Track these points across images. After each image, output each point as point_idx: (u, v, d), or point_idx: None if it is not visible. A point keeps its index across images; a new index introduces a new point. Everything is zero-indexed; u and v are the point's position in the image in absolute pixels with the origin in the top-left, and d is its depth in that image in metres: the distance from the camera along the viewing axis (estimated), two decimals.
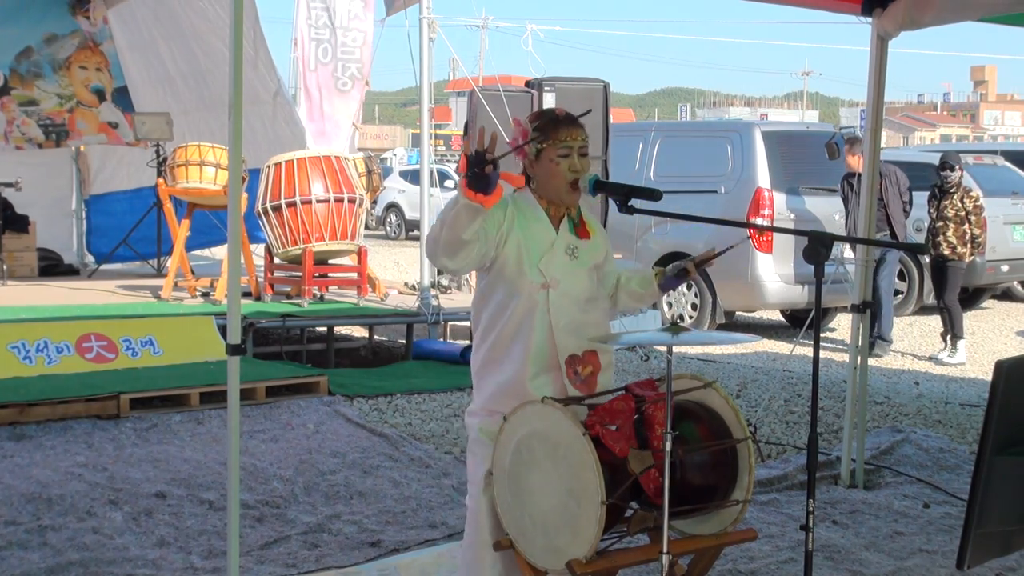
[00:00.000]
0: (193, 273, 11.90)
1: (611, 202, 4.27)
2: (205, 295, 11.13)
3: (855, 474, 7.06)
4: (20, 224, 13.11)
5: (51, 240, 13.90)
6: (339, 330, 11.43)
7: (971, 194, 12.38)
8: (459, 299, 11.56)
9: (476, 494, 4.15)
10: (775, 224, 12.66)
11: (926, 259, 13.65)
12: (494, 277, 4.11)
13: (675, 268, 4.31)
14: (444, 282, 12.23)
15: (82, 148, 14.35)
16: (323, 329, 10.99)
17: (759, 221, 12.71)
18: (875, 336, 11.98)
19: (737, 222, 12.49)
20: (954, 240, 12.10)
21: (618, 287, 4.38)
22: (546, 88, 11.77)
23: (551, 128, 4.05)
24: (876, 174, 7.16)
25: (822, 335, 13.12)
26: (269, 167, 10.84)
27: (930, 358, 12.18)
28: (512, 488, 3.95)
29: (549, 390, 4.05)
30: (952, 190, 12.22)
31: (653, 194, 4.10)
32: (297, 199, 10.60)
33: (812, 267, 3.99)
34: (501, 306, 4.11)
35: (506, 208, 4.07)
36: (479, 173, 3.59)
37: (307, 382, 8.91)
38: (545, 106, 11.51)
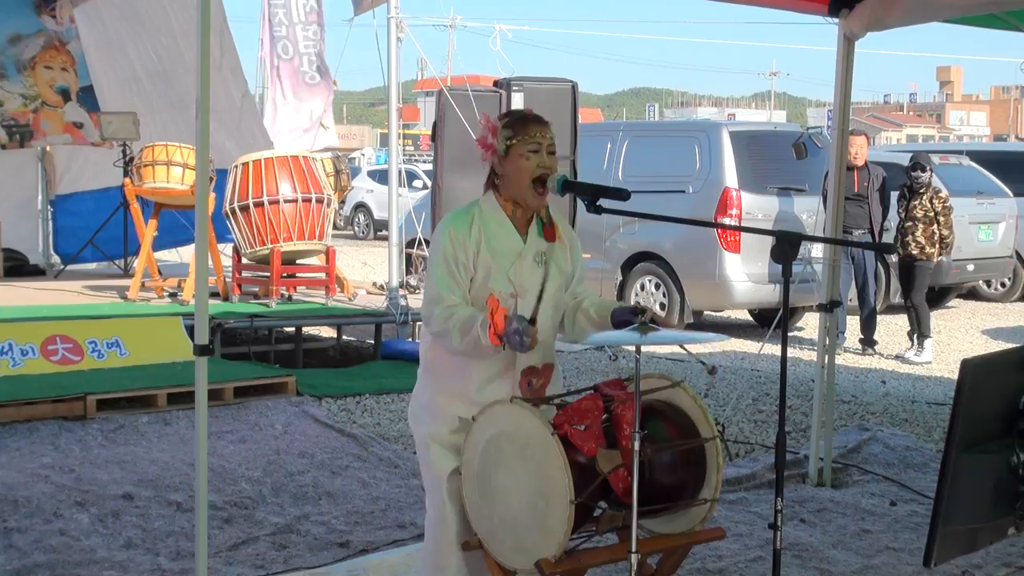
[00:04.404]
0: (160, 273, 11.84)
1: (579, 202, 4.27)
2: (172, 295, 11.08)
3: (823, 472, 7.09)
4: None
5: (17, 240, 13.80)
6: (307, 330, 11.40)
7: (940, 195, 12.44)
8: None
9: (439, 497, 4.14)
10: (743, 224, 12.70)
11: (893, 259, 13.72)
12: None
13: (631, 308, 4.10)
14: (412, 282, 12.22)
15: (48, 148, 14.25)
16: (291, 329, 10.95)
17: (727, 221, 12.75)
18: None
19: (705, 222, 12.53)
20: (922, 240, 12.16)
21: (577, 310, 4.26)
22: (514, 88, 11.77)
23: (521, 125, 4.07)
24: (843, 173, 7.19)
25: (790, 334, 13.21)
26: (237, 167, 10.80)
27: (897, 357, 12.24)
28: (481, 488, 3.95)
29: (497, 397, 4.07)
30: (922, 191, 12.28)
31: (621, 194, 4.10)
32: (265, 199, 10.57)
33: (780, 266, 4.00)
34: None
35: (471, 224, 4.08)
36: (517, 342, 3.82)
37: (275, 383, 8.88)
38: (513, 106, 11.52)
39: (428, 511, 4.24)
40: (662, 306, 13.27)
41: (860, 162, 12.27)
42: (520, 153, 4.05)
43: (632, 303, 4.45)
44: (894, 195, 12.82)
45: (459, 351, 4.00)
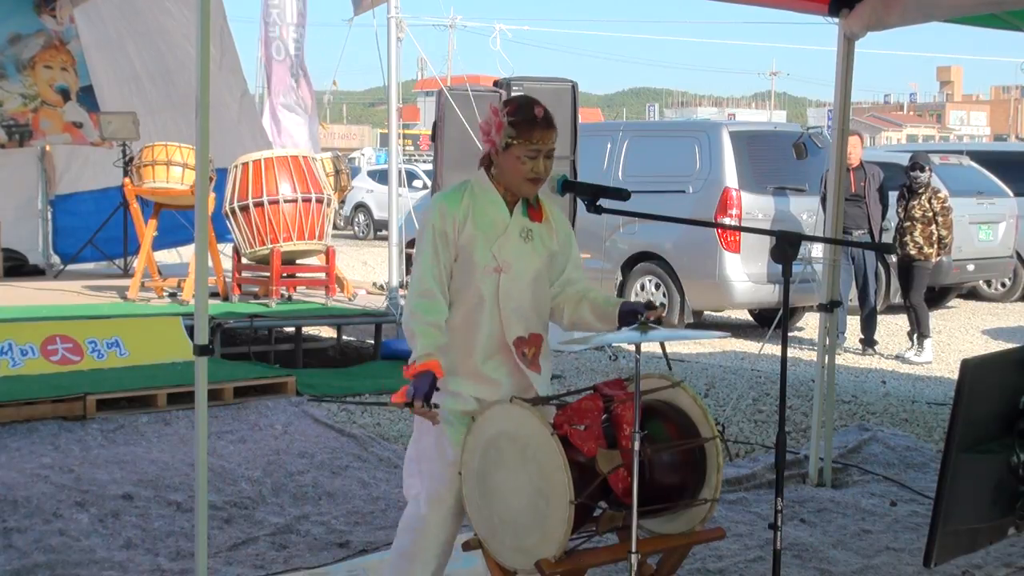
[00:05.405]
0: (160, 273, 11.83)
1: (579, 202, 4.26)
2: (172, 295, 11.07)
3: (823, 473, 7.09)
4: None
5: (16, 240, 13.78)
6: (307, 330, 11.39)
7: (939, 195, 12.44)
8: None
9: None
10: (743, 224, 12.71)
11: (893, 259, 13.72)
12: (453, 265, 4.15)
13: (636, 307, 4.08)
14: None
15: (47, 148, 14.25)
16: (291, 329, 10.95)
17: (727, 221, 12.75)
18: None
19: (705, 222, 12.53)
20: (921, 240, 12.16)
21: (582, 300, 4.26)
22: (514, 88, 11.76)
23: (527, 128, 4.03)
24: (843, 173, 7.19)
25: (790, 334, 13.21)
26: (236, 167, 10.80)
27: (897, 357, 12.24)
28: (481, 488, 3.95)
29: (502, 371, 4.10)
30: (921, 191, 12.28)
31: (621, 194, 4.10)
32: (265, 199, 10.57)
33: (780, 266, 4.00)
34: (457, 291, 4.14)
35: (461, 199, 4.11)
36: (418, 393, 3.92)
37: (275, 383, 8.88)
38: None
39: (418, 504, 4.29)
40: (662, 306, 13.26)
41: (855, 162, 12.26)
42: (518, 155, 4.04)
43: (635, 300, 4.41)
44: (891, 195, 12.82)
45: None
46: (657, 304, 4.13)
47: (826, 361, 7.07)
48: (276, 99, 14.83)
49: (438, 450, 4.16)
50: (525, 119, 4.05)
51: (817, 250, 11.90)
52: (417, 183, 29.07)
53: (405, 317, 4.12)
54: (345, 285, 11.83)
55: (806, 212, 13.13)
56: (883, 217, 12.61)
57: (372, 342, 11.22)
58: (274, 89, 14.89)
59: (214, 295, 10.81)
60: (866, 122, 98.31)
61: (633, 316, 4.02)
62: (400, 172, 12.12)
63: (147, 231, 11.22)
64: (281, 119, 14.75)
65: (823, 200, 12.12)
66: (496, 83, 12.35)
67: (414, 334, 4.03)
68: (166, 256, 14.38)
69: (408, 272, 12.25)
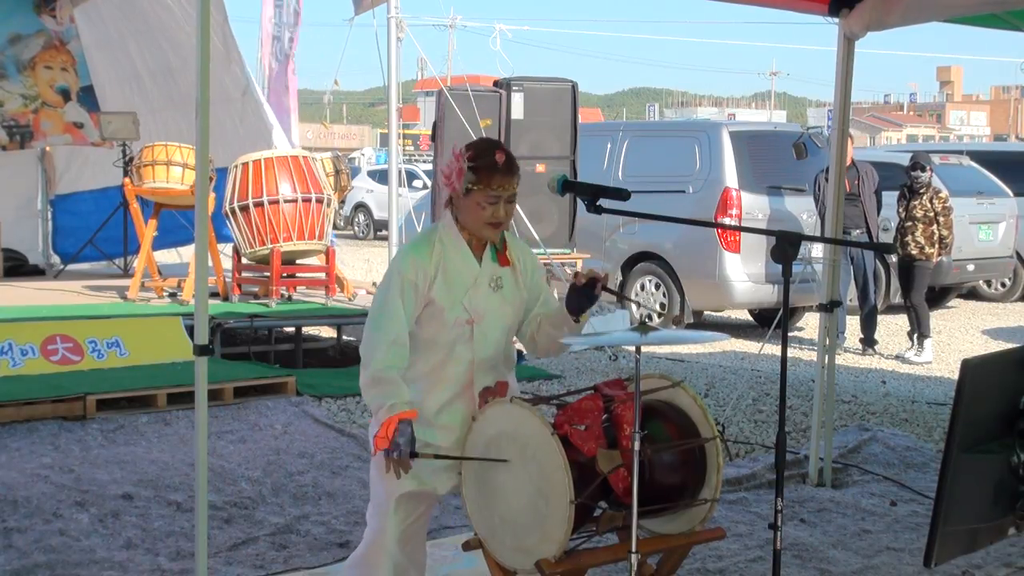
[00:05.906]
0: (160, 273, 11.83)
1: (579, 202, 4.26)
2: (172, 295, 11.06)
3: (823, 473, 7.09)
4: None
5: (16, 240, 13.79)
6: (307, 330, 11.38)
7: (940, 195, 12.44)
8: None
9: (385, 512, 4.16)
10: (743, 224, 12.71)
11: (893, 258, 13.72)
12: (421, 316, 4.11)
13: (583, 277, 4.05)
14: None
15: (47, 148, 14.25)
16: (291, 329, 10.94)
17: (727, 221, 12.76)
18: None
19: (705, 222, 12.53)
20: (922, 240, 12.17)
21: (539, 328, 4.23)
22: (514, 88, 11.78)
23: (487, 175, 3.99)
24: (843, 174, 7.19)
25: (790, 334, 13.21)
26: (236, 167, 10.79)
27: (897, 357, 12.24)
28: (481, 488, 3.96)
29: (457, 418, 4.09)
30: (922, 191, 12.28)
31: (621, 194, 4.10)
32: (265, 199, 10.55)
33: (780, 266, 4.00)
34: (426, 342, 4.11)
35: (431, 250, 4.07)
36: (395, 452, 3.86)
37: (275, 382, 8.87)
38: (514, 106, 11.50)
39: (370, 523, 4.27)
40: (662, 306, 13.28)
41: (846, 162, 12.24)
42: (478, 201, 4.00)
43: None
44: (887, 194, 12.81)
45: (363, 392, 4.04)
46: (598, 275, 4.06)
47: (826, 361, 7.07)
48: (275, 99, 14.84)
49: (382, 489, 4.20)
50: (485, 165, 3.99)
51: (817, 250, 11.90)
52: (417, 183, 29.09)
53: (374, 364, 3.98)
54: (345, 285, 11.83)
55: (806, 212, 13.13)
56: (878, 215, 12.60)
57: None
58: (273, 88, 14.90)
59: (214, 295, 10.80)
60: (866, 122, 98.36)
61: (578, 305, 4.04)
62: (400, 172, 12.14)
63: (147, 231, 11.21)
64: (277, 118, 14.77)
65: (817, 202, 12.14)
66: (496, 83, 12.37)
67: (389, 381, 3.96)
68: (166, 256, 14.37)
69: None
